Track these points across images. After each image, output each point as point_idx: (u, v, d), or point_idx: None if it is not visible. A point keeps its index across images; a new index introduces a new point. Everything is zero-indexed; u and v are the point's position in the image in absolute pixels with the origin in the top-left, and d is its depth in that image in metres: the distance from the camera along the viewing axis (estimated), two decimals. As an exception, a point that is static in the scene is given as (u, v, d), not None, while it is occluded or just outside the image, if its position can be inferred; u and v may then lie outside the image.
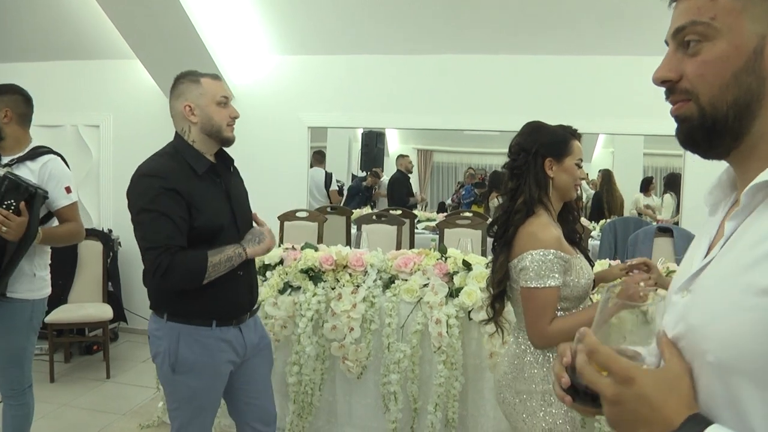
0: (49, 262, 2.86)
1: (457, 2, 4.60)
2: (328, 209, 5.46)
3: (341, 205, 6.93)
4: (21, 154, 2.72)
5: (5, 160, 2.68)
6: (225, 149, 2.28)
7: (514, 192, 1.95)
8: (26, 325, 2.71)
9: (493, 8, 4.61)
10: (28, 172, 2.66)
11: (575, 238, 2.02)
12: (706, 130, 0.79)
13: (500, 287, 1.96)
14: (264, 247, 2.21)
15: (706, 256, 0.82)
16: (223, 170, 2.25)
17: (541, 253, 1.82)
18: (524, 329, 1.91)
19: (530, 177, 1.92)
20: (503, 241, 1.94)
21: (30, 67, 5.73)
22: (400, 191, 7.01)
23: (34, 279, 2.70)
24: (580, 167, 1.96)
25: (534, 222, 1.88)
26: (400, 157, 7.06)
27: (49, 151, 2.80)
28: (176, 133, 2.23)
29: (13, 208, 2.47)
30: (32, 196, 2.54)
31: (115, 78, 5.63)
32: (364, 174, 7.21)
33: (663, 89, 0.85)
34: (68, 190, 2.73)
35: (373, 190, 7.20)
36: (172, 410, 2.24)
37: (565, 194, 1.97)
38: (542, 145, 1.93)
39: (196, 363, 2.12)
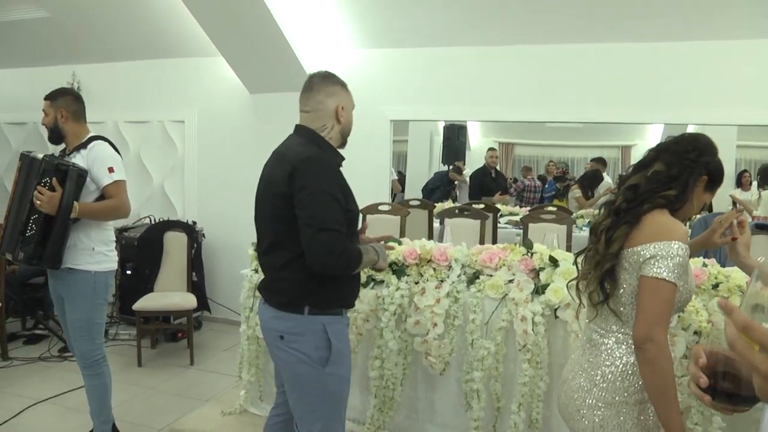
0: (113, 239, 3.17)
1: None
2: (411, 203, 5.41)
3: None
4: (77, 144, 3.06)
5: (39, 154, 3.00)
6: None
7: (671, 179, 1.80)
8: (90, 295, 3.00)
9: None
10: (80, 158, 3.00)
11: None
12: None
13: (614, 260, 1.79)
14: (385, 264, 2.38)
15: None
16: None
17: (679, 246, 1.68)
18: (624, 331, 1.78)
19: (689, 178, 1.81)
20: (632, 214, 1.78)
21: (119, 67, 5.99)
22: (481, 186, 6.91)
23: (93, 253, 3.01)
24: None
25: (668, 215, 1.78)
26: (489, 149, 6.96)
27: (98, 137, 3.11)
28: (305, 127, 2.28)
29: (48, 185, 2.83)
30: (65, 174, 2.86)
31: (200, 75, 5.78)
32: (446, 167, 7.12)
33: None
34: (111, 170, 3.00)
35: (454, 184, 7.11)
36: (314, 411, 2.20)
37: (686, 214, 1.86)
38: (708, 164, 1.84)
39: (343, 352, 2.22)
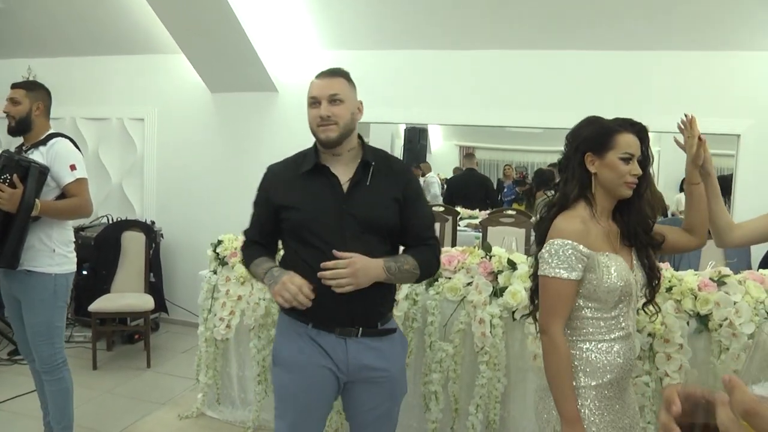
0: (72, 239, 3.07)
1: None
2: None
3: None
4: (37, 141, 2.97)
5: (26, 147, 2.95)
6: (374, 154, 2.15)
7: (557, 186, 1.94)
8: (51, 298, 2.91)
9: (537, 4, 4.50)
10: (39, 155, 2.90)
11: (640, 237, 1.91)
12: None
13: (536, 280, 1.91)
14: (273, 291, 2.03)
15: None
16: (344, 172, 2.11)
17: (558, 243, 1.79)
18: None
19: (570, 172, 1.89)
20: (539, 235, 1.92)
21: (78, 62, 5.86)
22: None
23: (54, 254, 2.92)
24: (628, 162, 1.82)
25: (566, 215, 1.85)
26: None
27: (58, 134, 3.01)
28: None
29: (8, 181, 2.73)
30: (26, 171, 2.77)
31: (161, 72, 5.69)
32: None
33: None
34: (73, 167, 2.91)
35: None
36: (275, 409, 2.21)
37: (611, 191, 1.86)
38: (583, 140, 1.87)
39: (289, 357, 2.13)
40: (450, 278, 3.10)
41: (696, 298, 2.76)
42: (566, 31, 4.67)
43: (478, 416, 2.95)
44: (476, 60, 5.00)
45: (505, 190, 7.45)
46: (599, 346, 1.82)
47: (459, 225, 5.75)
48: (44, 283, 2.89)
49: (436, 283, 3.10)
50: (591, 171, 1.86)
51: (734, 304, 2.68)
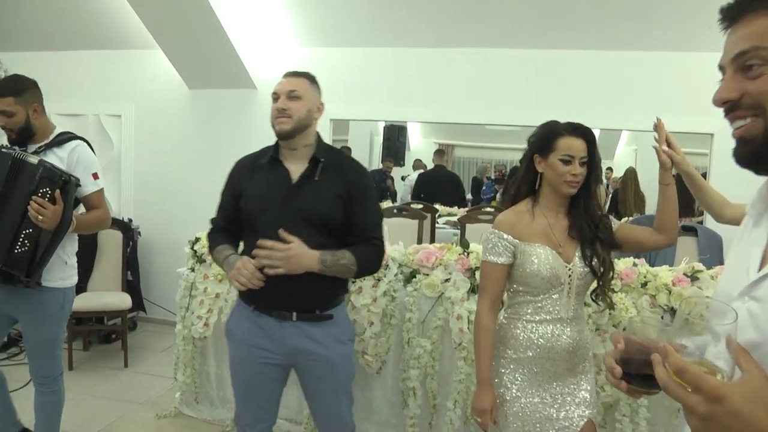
0: (77, 249, 2.84)
1: None
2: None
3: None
4: (47, 141, 2.68)
5: (32, 148, 2.64)
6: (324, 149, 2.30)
7: (510, 182, 2.20)
8: (59, 313, 2.72)
9: (517, 2, 4.54)
10: (56, 159, 2.62)
11: (584, 232, 2.05)
12: None
13: None
14: (229, 276, 2.17)
15: (763, 264, 0.89)
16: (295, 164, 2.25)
17: (489, 232, 2.07)
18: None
19: (522, 171, 2.11)
20: None
21: (53, 56, 5.77)
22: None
23: (65, 267, 2.71)
24: (568, 164, 1.98)
25: (509, 209, 2.10)
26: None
27: (76, 136, 2.77)
28: None
29: (48, 196, 2.45)
30: (66, 184, 2.52)
31: (138, 68, 5.64)
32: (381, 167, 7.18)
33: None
34: (95, 176, 2.71)
35: (389, 181, 7.17)
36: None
37: (555, 189, 2.04)
38: (532, 142, 2.08)
39: (232, 331, 2.33)
40: (428, 275, 3.12)
41: (670, 293, 2.81)
42: (545, 30, 4.71)
43: (456, 411, 2.97)
44: (455, 58, 5.02)
45: (484, 187, 7.51)
46: (526, 325, 2.04)
47: (437, 222, 5.77)
48: (55, 298, 2.68)
49: (414, 279, 3.12)
50: (539, 171, 2.06)
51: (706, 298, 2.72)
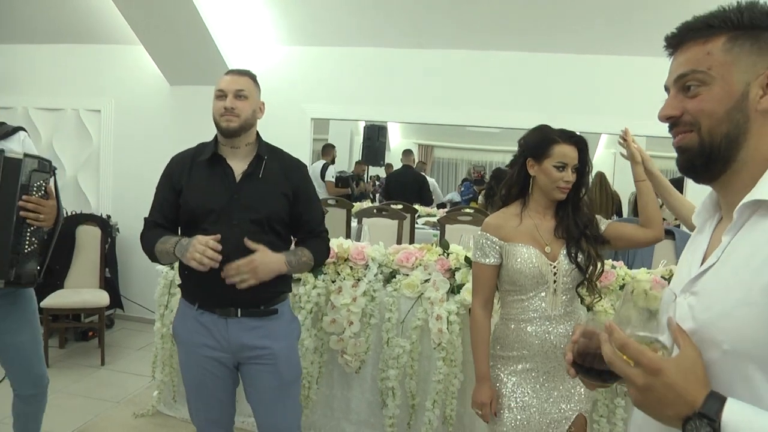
0: None
1: None
2: (329, 201, 5.43)
3: (348, 197, 6.87)
4: None
5: (13, 152, 2.36)
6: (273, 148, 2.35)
7: (503, 184, 2.24)
8: (35, 310, 2.59)
9: (498, 5, 4.59)
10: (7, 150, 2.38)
11: (571, 232, 2.11)
12: (705, 157, 0.98)
13: None
14: (186, 257, 2.06)
15: (702, 264, 1.00)
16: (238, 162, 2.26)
17: (478, 234, 2.17)
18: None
19: (514, 174, 2.17)
20: None
21: (32, 49, 5.71)
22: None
23: None
24: (561, 170, 2.05)
25: (499, 211, 2.19)
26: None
27: (19, 128, 2.52)
28: None
29: (43, 191, 2.35)
30: (54, 175, 2.42)
31: (118, 64, 5.59)
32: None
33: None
34: None
35: (359, 181, 7.17)
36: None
37: (546, 193, 2.11)
38: (527, 146, 2.13)
39: (179, 335, 2.33)
40: (408, 275, 3.14)
41: (646, 295, 2.85)
42: (526, 33, 4.76)
43: (435, 412, 2.99)
44: (435, 59, 5.06)
45: (463, 189, 7.53)
46: (519, 325, 2.10)
47: (417, 223, 5.79)
48: (30, 295, 2.55)
49: (393, 279, 3.14)
50: (531, 174, 2.12)
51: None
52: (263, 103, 2.33)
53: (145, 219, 2.35)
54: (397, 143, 7.59)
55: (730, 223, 0.97)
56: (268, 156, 2.27)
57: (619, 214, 6.80)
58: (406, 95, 5.14)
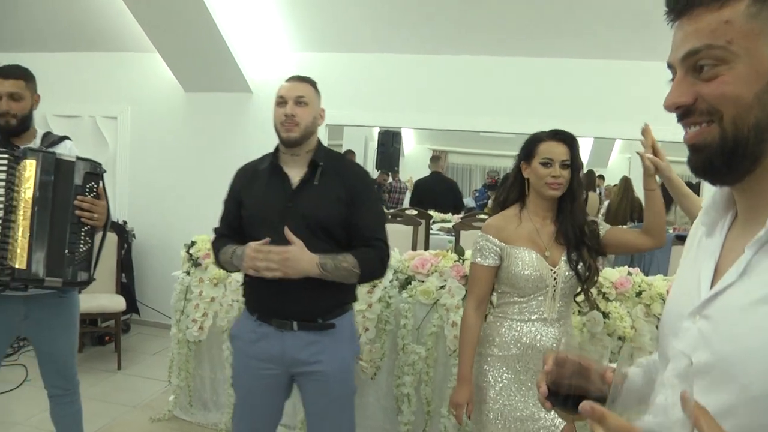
0: None
1: (476, 3, 4.57)
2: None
3: None
4: (39, 140, 2.56)
5: (65, 155, 2.44)
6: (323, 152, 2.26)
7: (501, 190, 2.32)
8: (77, 316, 2.67)
9: (511, 10, 4.58)
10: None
11: (570, 237, 2.11)
12: (727, 154, 0.76)
13: None
14: (243, 267, 2.10)
15: (714, 277, 0.81)
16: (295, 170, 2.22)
17: (478, 236, 2.18)
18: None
19: (510, 178, 2.23)
20: None
21: (50, 58, 5.76)
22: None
23: None
24: (548, 167, 2.07)
25: (498, 214, 2.21)
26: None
27: (65, 137, 2.68)
28: None
29: (95, 192, 2.41)
30: (102, 178, 2.47)
31: (134, 71, 5.64)
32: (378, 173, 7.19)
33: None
34: None
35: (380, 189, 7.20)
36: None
37: (539, 193, 2.12)
38: (519, 151, 2.18)
39: (235, 344, 2.34)
40: (423, 281, 3.14)
41: (664, 301, 2.84)
42: (540, 38, 4.74)
43: (450, 418, 2.98)
44: (450, 65, 5.06)
45: (477, 194, 7.52)
46: (512, 324, 2.11)
47: (431, 228, 5.79)
48: (75, 301, 2.64)
49: (409, 285, 3.14)
50: (525, 176, 2.16)
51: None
52: (323, 110, 2.30)
53: (214, 229, 2.38)
54: (411, 149, 7.60)
55: (748, 226, 0.79)
56: (325, 161, 2.20)
57: (641, 219, 6.74)
58: (420, 101, 5.15)
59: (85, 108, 5.81)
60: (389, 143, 6.92)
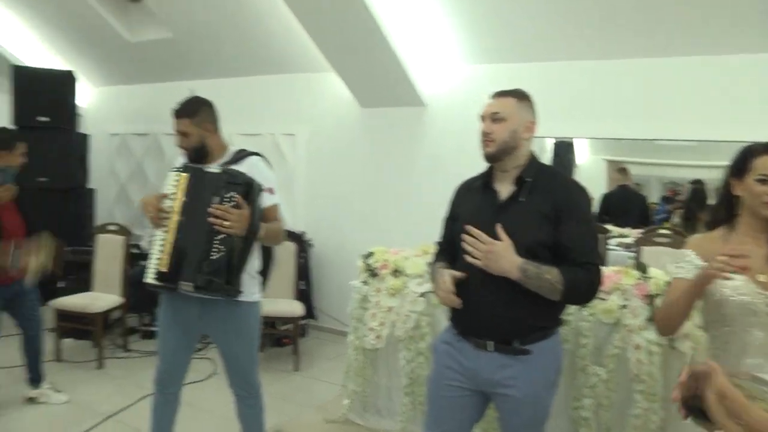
0: (258, 266, 2.85)
1: (650, 4, 4.25)
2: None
3: None
4: (227, 158, 2.76)
5: (213, 167, 2.65)
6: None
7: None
8: (254, 328, 2.82)
9: (688, 8, 4.17)
10: None
11: None
12: None
13: None
14: (437, 293, 2.22)
15: None
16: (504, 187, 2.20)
17: (681, 251, 2.05)
18: None
19: (718, 197, 2.04)
20: None
21: (233, 82, 6.27)
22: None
23: (253, 281, 2.74)
24: (765, 183, 1.87)
25: (701, 234, 2.08)
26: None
27: (254, 153, 2.84)
28: None
29: (234, 202, 2.48)
30: (249, 188, 2.55)
31: (312, 90, 5.97)
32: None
33: None
34: (271, 191, 2.75)
35: None
36: None
37: (755, 213, 1.92)
38: (728, 166, 2.00)
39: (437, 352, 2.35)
40: (604, 299, 2.99)
41: None
42: (722, 34, 4.25)
43: (630, 447, 2.83)
44: (623, 69, 4.76)
45: (659, 208, 7.08)
46: (727, 360, 1.84)
47: (608, 244, 5.52)
48: (254, 311, 2.79)
49: (588, 304, 3.01)
50: (736, 194, 1.96)
51: None
52: (532, 122, 2.21)
53: (436, 243, 2.47)
54: (584, 159, 7.31)
55: None
56: (535, 177, 2.14)
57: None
58: (592, 109, 4.91)
59: (266, 126, 6.25)
60: (563, 154, 6.70)
